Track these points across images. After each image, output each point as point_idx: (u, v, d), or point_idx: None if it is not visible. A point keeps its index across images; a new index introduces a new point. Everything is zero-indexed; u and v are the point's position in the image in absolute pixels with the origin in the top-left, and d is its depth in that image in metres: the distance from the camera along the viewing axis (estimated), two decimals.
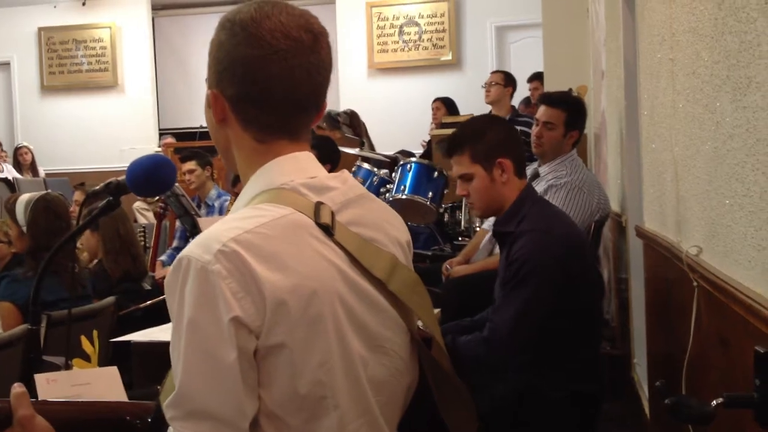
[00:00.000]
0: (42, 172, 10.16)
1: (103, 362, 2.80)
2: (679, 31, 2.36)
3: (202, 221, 4.30)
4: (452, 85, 9.30)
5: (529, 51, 9.38)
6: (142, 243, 5.17)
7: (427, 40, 10.11)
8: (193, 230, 4.98)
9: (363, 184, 5.09)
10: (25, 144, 10.19)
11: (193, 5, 11.16)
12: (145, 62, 11.00)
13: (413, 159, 5.18)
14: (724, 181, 1.89)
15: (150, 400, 1.36)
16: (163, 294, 1.27)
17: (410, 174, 4.89)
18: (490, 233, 3.88)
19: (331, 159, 5.27)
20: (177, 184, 5.16)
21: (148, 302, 3.73)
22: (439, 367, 1.38)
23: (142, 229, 5.48)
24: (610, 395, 3.71)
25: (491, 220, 3.97)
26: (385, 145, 7.67)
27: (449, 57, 10.05)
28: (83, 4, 10.93)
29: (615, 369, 4.22)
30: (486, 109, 6.50)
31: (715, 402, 1.28)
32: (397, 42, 10.16)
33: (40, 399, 1.68)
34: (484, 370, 2.55)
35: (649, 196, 3.22)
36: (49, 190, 4.02)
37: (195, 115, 10.23)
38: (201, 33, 10.46)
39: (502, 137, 2.70)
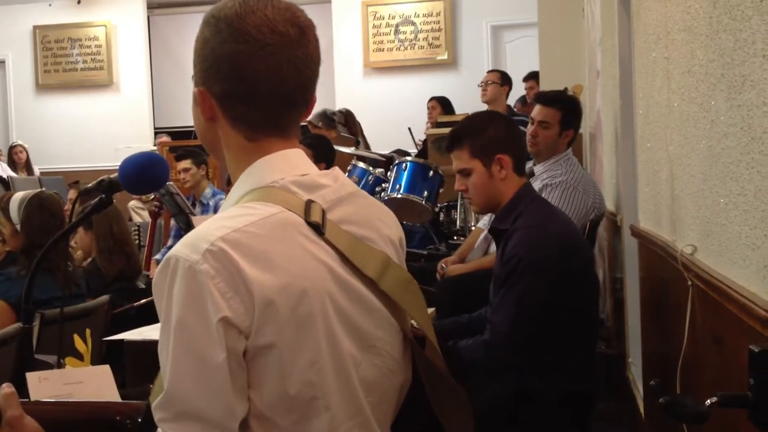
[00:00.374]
0: (37, 171, 10.14)
1: (96, 361, 2.79)
2: (674, 29, 2.36)
3: (196, 220, 4.29)
4: (448, 85, 9.30)
5: (524, 50, 9.37)
6: (137, 242, 5.16)
7: (423, 39, 10.10)
8: (188, 229, 4.96)
9: (358, 183, 5.08)
10: (19, 143, 10.17)
11: (189, 4, 11.13)
12: (141, 61, 10.98)
13: (408, 158, 5.17)
14: (719, 179, 1.88)
15: (143, 399, 1.35)
16: None
17: (405, 173, 4.88)
18: (485, 232, 3.87)
19: (326, 158, 5.26)
20: (171, 183, 5.16)
21: (143, 301, 3.72)
22: (433, 367, 1.37)
23: (137, 228, 5.46)
24: (605, 394, 3.72)
25: (486, 219, 3.97)
26: (380, 144, 7.66)
27: (445, 56, 10.06)
28: (78, 2, 10.91)
29: (610, 368, 4.22)
30: (482, 108, 6.49)
31: (709, 401, 1.28)
32: (393, 41, 10.15)
33: (32, 398, 1.67)
34: (485, 371, 2.54)
35: (644, 195, 3.22)
36: (44, 188, 4.01)
37: (190, 114, 10.03)
38: (197, 32, 10.40)
39: (502, 133, 2.69)
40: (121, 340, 2.82)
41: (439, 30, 10.06)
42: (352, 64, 10.27)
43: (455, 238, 5.03)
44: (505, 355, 2.49)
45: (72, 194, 5.87)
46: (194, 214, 5.12)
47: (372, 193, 5.02)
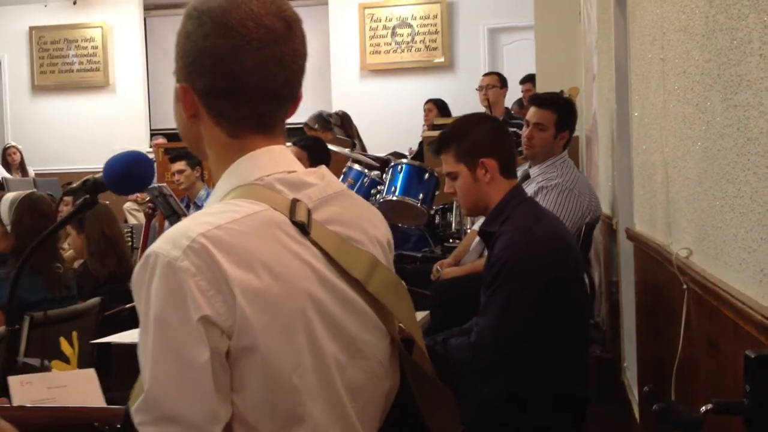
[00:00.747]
0: (32, 172, 10.10)
1: (86, 364, 2.75)
2: (670, 30, 2.33)
3: None
4: (445, 87, 9.28)
5: (521, 53, 9.36)
6: (130, 243, 5.11)
7: (420, 41, 10.08)
8: None
9: (354, 185, 5.06)
10: (13, 144, 10.13)
11: (186, 5, 11.06)
12: (137, 62, 10.95)
13: (404, 160, 5.15)
14: (715, 181, 1.86)
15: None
16: None
17: (401, 175, 4.87)
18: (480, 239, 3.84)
19: (321, 160, 5.23)
20: (165, 185, 5.13)
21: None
22: (421, 371, 1.34)
23: (130, 230, 5.43)
24: (600, 399, 3.69)
25: (482, 221, 3.94)
26: (377, 146, 7.64)
27: (442, 59, 10.03)
28: (74, 2, 10.87)
29: (605, 373, 4.19)
30: (479, 111, 6.47)
31: (704, 408, 1.25)
32: (390, 43, 10.13)
33: (13, 402, 1.64)
34: (473, 373, 2.52)
35: (639, 198, 3.20)
36: (34, 189, 3.98)
37: None
38: None
39: (486, 137, 2.66)
40: (109, 343, 2.78)
41: (436, 32, 10.03)
42: (348, 67, 10.24)
43: (451, 240, 5.00)
44: (491, 358, 2.46)
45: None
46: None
47: (367, 195, 5.00)
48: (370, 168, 5.38)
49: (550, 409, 2.50)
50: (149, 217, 5.57)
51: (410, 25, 10.10)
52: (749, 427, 1.18)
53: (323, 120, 6.95)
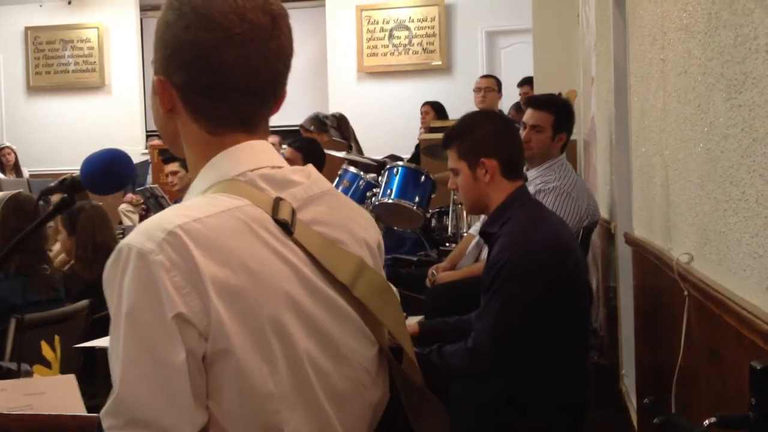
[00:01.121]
0: (26, 173, 10.02)
1: (71, 369, 2.68)
2: (670, 29, 2.27)
3: None
4: (442, 90, 9.22)
5: (519, 56, 9.30)
6: None
7: (417, 44, 10.02)
8: None
9: (349, 187, 5.02)
10: (7, 144, 10.05)
11: None
12: (133, 63, 10.88)
13: (400, 163, 5.11)
14: (718, 184, 1.79)
15: None
16: None
17: (397, 178, 4.83)
18: (476, 238, 3.80)
19: (316, 161, 5.17)
20: (157, 186, 5.07)
21: None
22: (410, 381, 1.27)
23: (122, 231, 5.37)
24: (598, 405, 3.64)
25: (477, 226, 3.89)
26: (373, 149, 7.59)
27: (439, 62, 9.97)
28: (69, 2, 10.81)
29: (603, 379, 4.14)
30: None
31: (707, 422, 1.19)
32: (387, 46, 10.07)
33: None
34: (470, 379, 2.50)
35: (638, 201, 3.15)
36: (21, 190, 3.91)
37: None
38: None
39: (489, 137, 2.64)
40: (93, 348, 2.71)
41: (434, 35, 9.98)
42: (345, 69, 10.18)
43: (447, 244, 4.95)
44: (488, 363, 2.44)
45: (56, 197, 5.75)
46: None
47: (363, 197, 4.96)
48: (366, 170, 5.33)
49: (548, 415, 2.47)
50: (142, 219, 5.52)
51: (408, 28, 10.04)
52: None
53: (319, 122, 6.92)
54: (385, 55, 10.08)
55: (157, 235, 1.06)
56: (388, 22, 10.07)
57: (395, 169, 4.86)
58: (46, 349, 2.15)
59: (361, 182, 5.10)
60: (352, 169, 5.18)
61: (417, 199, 4.75)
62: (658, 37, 2.48)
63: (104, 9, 10.89)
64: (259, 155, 1.20)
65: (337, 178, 5.08)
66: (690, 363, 2.11)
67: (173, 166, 5.68)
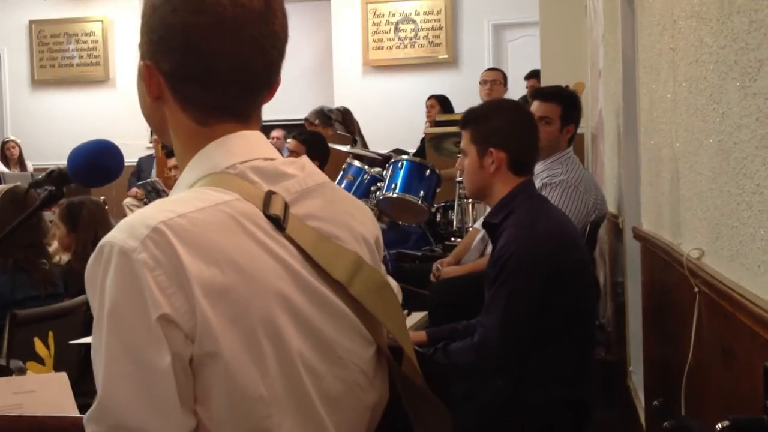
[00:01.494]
0: (30, 167, 9.99)
1: (69, 365, 2.64)
2: (681, 17, 2.21)
3: None
4: (448, 84, 9.15)
5: (526, 49, 9.22)
6: None
7: (423, 37, 9.95)
8: None
9: (353, 181, 4.97)
10: (12, 138, 10.03)
11: None
12: (137, 57, 10.83)
13: (405, 157, 5.05)
14: (731, 177, 1.73)
15: None
16: None
17: (401, 172, 4.79)
18: (482, 233, 3.74)
19: (320, 155, 5.14)
20: (158, 179, 5.03)
21: None
22: (411, 383, 1.21)
23: None
24: (605, 402, 3.58)
25: (483, 219, 3.84)
26: (379, 143, 7.54)
27: (446, 55, 9.90)
28: None
29: (610, 376, 4.09)
30: None
31: (720, 426, 1.13)
32: (393, 39, 10.00)
33: None
34: (476, 376, 2.47)
35: (646, 195, 3.10)
36: (18, 183, 3.86)
37: None
38: None
39: (504, 128, 2.61)
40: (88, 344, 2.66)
41: (440, 28, 9.90)
42: (351, 62, 10.12)
43: (452, 239, 4.90)
44: (496, 358, 2.42)
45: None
46: None
47: (367, 192, 4.92)
48: (371, 164, 5.28)
49: (551, 412, 2.44)
50: None
51: (414, 21, 9.97)
52: None
53: (324, 116, 6.89)
54: (391, 48, 10.01)
55: (141, 231, 1.00)
56: (393, 15, 10.00)
57: (400, 163, 4.81)
58: (39, 346, 2.10)
59: (365, 176, 5.05)
60: (356, 163, 5.14)
61: (422, 193, 4.71)
62: (668, 26, 2.41)
63: (108, 2, 10.85)
64: (251, 146, 1.15)
65: (342, 172, 5.04)
66: (700, 361, 2.06)
67: (175, 160, 5.65)
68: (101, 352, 1.00)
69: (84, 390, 1.96)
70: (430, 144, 5.80)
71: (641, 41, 3.15)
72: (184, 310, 0.99)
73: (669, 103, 2.45)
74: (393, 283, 1.53)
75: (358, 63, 10.13)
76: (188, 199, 1.06)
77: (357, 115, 7.26)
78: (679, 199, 2.35)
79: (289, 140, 5.37)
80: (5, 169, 9.33)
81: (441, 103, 7.19)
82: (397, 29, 9.99)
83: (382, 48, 10.03)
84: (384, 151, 6.40)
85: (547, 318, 2.41)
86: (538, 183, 3.52)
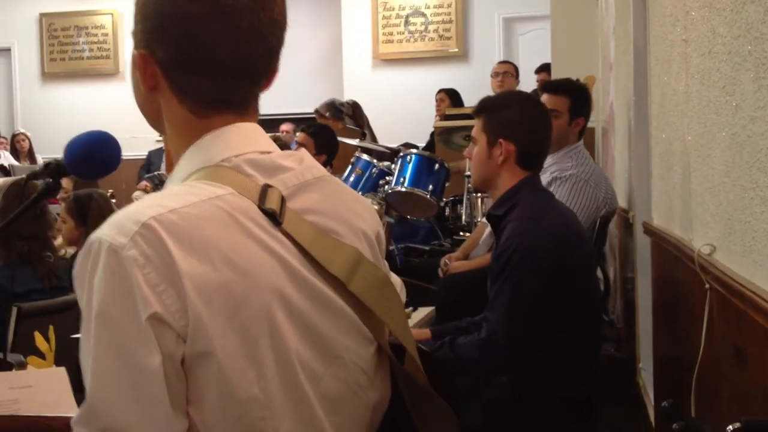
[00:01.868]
0: (40, 160, 10.00)
1: (72, 359, 2.62)
2: (693, 7, 2.17)
3: None
4: (458, 77, 9.09)
5: (537, 43, 9.16)
6: None
7: (434, 31, 9.90)
8: None
9: (362, 175, 4.94)
10: (22, 131, 10.05)
11: None
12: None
13: (413, 150, 5.01)
14: (744, 171, 1.69)
15: None
16: None
17: (410, 166, 4.75)
18: (490, 228, 3.71)
19: (328, 149, 5.11)
20: (165, 172, 4.99)
21: None
22: (414, 382, 1.17)
23: None
24: (614, 399, 3.54)
25: None
26: (388, 137, 7.51)
27: (456, 49, 9.84)
28: None
29: (619, 372, 4.04)
30: None
31: (731, 428, 1.09)
32: (403, 33, 9.94)
33: None
34: (481, 371, 2.45)
35: (658, 190, 3.05)
36: (23, 176, 3.84)
37: None
38: None
39: (516, 120, 2.58)
40: None
41: (450, 22, 9.85)
42: (360, 56, 10.07)
43: (461, 233, 4.86)
44: (502, 354, 2.39)
45: (66, 182, 5.69)
46: None
47: (375, 185, 4.89)
48: (380, 158, 5.24)
49: (556, 410, 2.42)
50: None
51: (424, 14, 9.91)
52: None
53: (335, 109, 6.86)
54: (401, 42, 9.95)
55: (130, 228, 0.97)
56: (404, 9, 9.95)
57: (408, 157, 4.77)
58: (39, 340, 2.08)
59: (374, 170, 5.02)
60: (365, 156, 5.10)
61: (431, 187, 4.68)
62: (681, 17, 2.37)
63: None
64: (247, 138, 1.11)
65: (350, 166, 5.00)
66: (711, 360, 2.02)
67: (171, 152, 5.61)
68: (90, 353, 0.97)
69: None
70: (439, 138, 5.76)
71: (653, 33, 3.10)
72: (175, 309, 0.96)
73: (681, 96, 2.41)
74: (395, 279, 1.49)
75: (367, 56, 10.08)
76: (180, 193, 1.03)
77: (366, 109, 7.22)
78: (691, 194, 2.31)
79: (297, 133, 5.34)
80: (15, 162, 9.35)
81: (451, 97, 7.15)
82: (407, 22, 9.94)
83: (392, 41, 9.98)
84: (393, 144, 6.37)
85: (551, 314, 2.38)
86: (547, 177, 3.48)
